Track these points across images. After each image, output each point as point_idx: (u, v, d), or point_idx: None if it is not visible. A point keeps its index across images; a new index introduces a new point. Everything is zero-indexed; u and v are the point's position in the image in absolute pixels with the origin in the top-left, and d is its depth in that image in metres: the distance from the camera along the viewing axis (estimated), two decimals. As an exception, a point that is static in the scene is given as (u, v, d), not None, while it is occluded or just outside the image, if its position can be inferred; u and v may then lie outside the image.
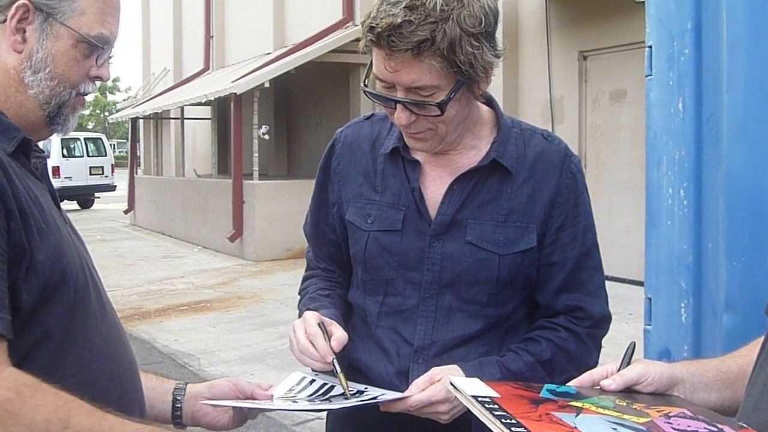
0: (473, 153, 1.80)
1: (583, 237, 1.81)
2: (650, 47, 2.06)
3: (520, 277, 1.78)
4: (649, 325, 2.11)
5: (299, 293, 2.01)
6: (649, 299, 2.11)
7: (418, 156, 1.81)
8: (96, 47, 1.44)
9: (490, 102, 1.88)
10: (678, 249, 2.01)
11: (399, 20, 1.55)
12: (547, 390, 1.39)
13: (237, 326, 8.67)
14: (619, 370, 1.41)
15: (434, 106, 1.63)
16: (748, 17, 1.79)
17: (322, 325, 1.72)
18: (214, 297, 10.41)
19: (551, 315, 1.82)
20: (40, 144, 1.54)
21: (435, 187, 1.80)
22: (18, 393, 1.21)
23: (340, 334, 1.71)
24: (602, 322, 1.85)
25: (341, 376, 1.66)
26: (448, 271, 1.76)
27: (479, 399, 1.29)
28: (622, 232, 9.61)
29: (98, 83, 1.51)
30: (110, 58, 1.50)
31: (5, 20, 1.38)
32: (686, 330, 2.00)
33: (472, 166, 1.78)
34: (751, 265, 1.80)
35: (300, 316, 1.86)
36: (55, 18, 1.40)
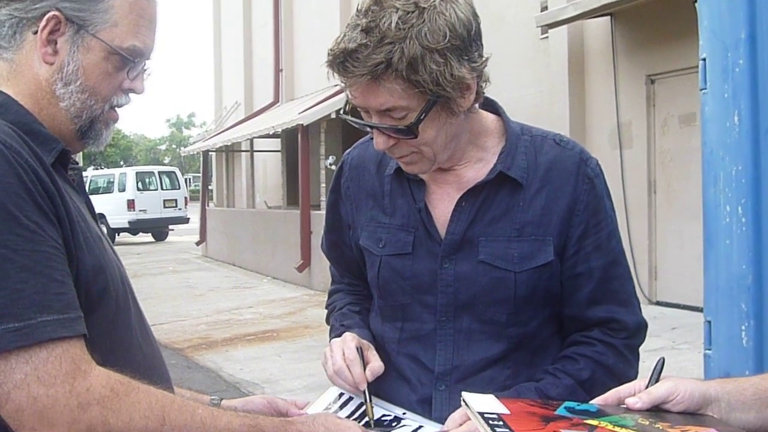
0: (480, 166, 1.72)
1: (607, 245, 1.72)
2: (704, 60, 1.99)
3: (539, 293, 1.70)
4: (709, 349, 2.03)
5: (326, 307, 2.00)
6: (709, 322, 2.02)
7: (423, 174, 1.73)
8: (128, 60, 1.42)
9: (496, 110, 1.78)
10: (737, 269, 1.92)
11: (353, 45, 1.48)
12: (565, 407, 1.34)
13: (302, 355, 8.69)
14: (647, 387, 1.34)
15: (405, 129, 1.56)
16: (805, 24, 1.72)
17: (360, 350, 1.70)
18: (280, 326, 10.48)
19: (583, 328, 1.74)
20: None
21: (443, 206, 1.73)
22: (114, 391, 1.23)
23: (376, 365, 1.69)
24: (638, 331, 1.76)
25: (369, 406, 1.64)
26: (463, 292, 1.69)
27: (485, 415, 1.25)
28: (694, 259, 9.33)
29: (132, 96, 1.48)
30: (145, 70, 1.48)
31: (37, 31, 1.37)
32: (748, 354, 1.90)
33: (479, 180, 1.70)
34: (814, 285, 1.71)
35: (332, 331, 1.86)
36: (87, 30, 1.38)
